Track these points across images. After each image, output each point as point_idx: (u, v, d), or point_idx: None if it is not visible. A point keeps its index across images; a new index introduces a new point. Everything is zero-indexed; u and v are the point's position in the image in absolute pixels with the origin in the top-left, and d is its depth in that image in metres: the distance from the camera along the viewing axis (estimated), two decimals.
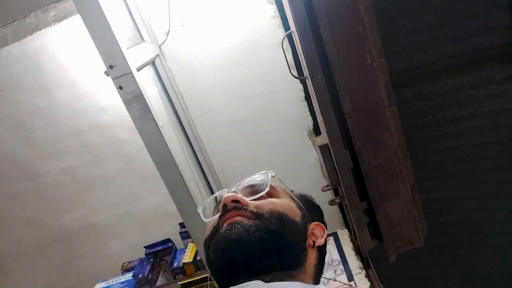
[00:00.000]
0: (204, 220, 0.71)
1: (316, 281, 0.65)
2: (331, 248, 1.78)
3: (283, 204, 0.66)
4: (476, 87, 1.59)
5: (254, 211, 0.61)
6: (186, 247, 1.98)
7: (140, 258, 2.01)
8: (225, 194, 0.66)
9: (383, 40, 1.11)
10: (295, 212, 0.66)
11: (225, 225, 0.60)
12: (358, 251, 1.71)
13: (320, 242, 0.67)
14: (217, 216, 0.65)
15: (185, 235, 1.98)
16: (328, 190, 1.42)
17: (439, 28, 1.51)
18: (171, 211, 1.85)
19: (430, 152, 1.76)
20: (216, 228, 0.62)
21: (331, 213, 1.89)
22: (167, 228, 2.03)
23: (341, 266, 1.64)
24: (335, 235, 1.87)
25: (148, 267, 1.92)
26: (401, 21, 1.51)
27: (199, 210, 0.74)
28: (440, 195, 1.87)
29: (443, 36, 1.52)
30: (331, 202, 1.42)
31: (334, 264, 1.67)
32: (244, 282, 0.54)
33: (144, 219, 2.04)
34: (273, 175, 0.71)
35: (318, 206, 0.79)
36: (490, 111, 1.61)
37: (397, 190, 1.27)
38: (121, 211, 2.03)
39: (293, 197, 0.72)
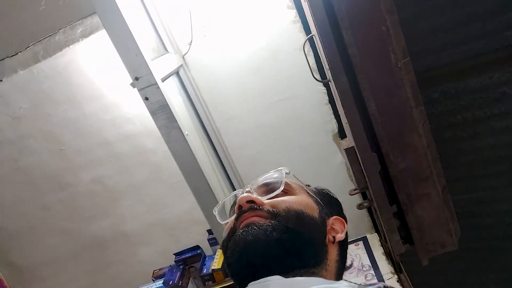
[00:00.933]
0: (221, 222, 0.69)
1: (339, 277, 0.63)
2: (360, 252, 1.75)
3: (300, 201, 0.64)
4: (507, 84, 1.54)
5: (271, 210, 0.60)
6: (214, 254, 2.00)
7: (170, 265, 2.04)
8: (240, 194, 0.64)
9: (408, 39, 1.09)
10: (312, 208, 0.64)
11: (241, 226, 0.59)
12: (389, 256, 1.67)
13: (340, 237, 0.65)
14: (233, 217, 0.63)
15: (213, 242, 1.99)
16: (355, 193, 1.40)
17: (466, 25, 1.47)
18: (199, 218, 1.87)
19: (461, 153, 1.71)
20: (233, 230, 0.61)
21: (360, 217, 1.86)
22: (196, 235, 2.06)
23: (372, 271, 1.61)
24: (364, 240, 1.84)
25: (178, 274, 1.94)
26: (426, 19, 1.48)
27: (215, 212, 0.72)
28: (473, 197, 1.81)
29: (471, 33, 1.48)
30: (360, 206, 1.39)
31: (364, 269, 1.64)
32: None
33: (173, 226, 2.07)
34: (287, 171, 0.69)
35: (336, 199, 0.76)
36: None
37: (427, 192, 1.24)
38: (150, 219, 2.07)
39: (310, 192, 0.70)
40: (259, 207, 0.61)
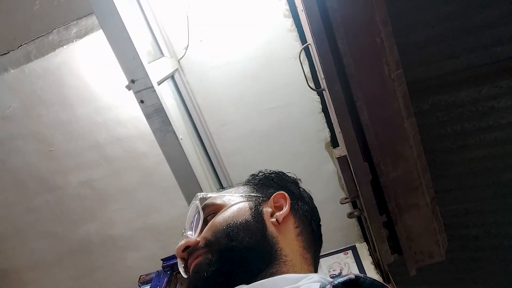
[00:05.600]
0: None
1: (309, 251, 0.63)
2: (349, 261, 1.76)
3: (224, 216, 0.64)
4: (495, 98, 1.57)
5: (205, 243, 0.61)
6: None
7: (157, 271, 2.01)
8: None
9: (401, 51, 1.11)
10: (242, 211, 0.64)
11: (191, 270, 0.62)
12: (377, 265, 1.68)
13: (283, 213, 0.64)
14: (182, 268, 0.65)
15: None
16: (346, 202, 1.41)
17: (457, 38, 1.50)
18: None
19: (450, 164, 1.74)
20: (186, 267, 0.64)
21: (350, 226, 1.87)
22: None
23: None
24: (353, 249, 1.85)
25: (165, 279, 1.92)
26: (419, 31, 1.51)
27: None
28: (461, 208, 1.83)
29: (461, 46, 1.51)
30: (350, 215, 1.40)
31: None
32: None
33: (162, 231, 2.05)
34: (200, 197, 0.70)
35: (274, 173, 0.76)
36: (511, 122, 1.59)
37: (416, 203, 1.26)
38: (139, 223, 2.05)
39: (236, 194, 0.70)
40: (195, 247, 0.62)
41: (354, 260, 1.76)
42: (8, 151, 1.94)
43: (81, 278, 2.22)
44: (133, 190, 1.97)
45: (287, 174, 0.79)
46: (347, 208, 1.67)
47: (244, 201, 0.67)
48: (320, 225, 0.73)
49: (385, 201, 1.24)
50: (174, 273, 1.99)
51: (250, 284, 0.52)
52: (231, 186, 0.76)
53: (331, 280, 0.45)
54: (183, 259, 0.64)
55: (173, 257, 2.01)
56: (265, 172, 0.77)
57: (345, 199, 1.41)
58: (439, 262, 1.35)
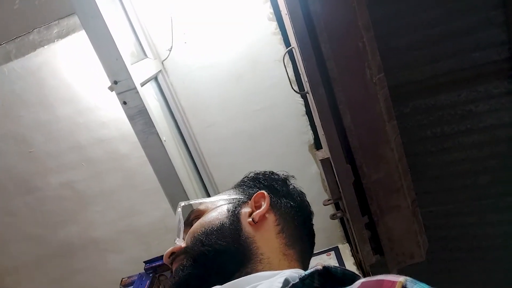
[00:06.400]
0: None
1: (292, 248, 0.63)
2: (332, 262, 1.77)
3: (202, 221, 0.66)
4: (474, 102, 1.61)
5: (183, 249, 0.64)
6: None
7: (140, 273, 1.99)
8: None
9: (383, 56, 1.13)
10: (219, 215, 0.65)
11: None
12: (359, 266, 1.70)
13: (261, 212, 0.65)
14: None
15: None
16: (329, 204, 1.42)
17: (437, 44, 1.53)
18: (171, 226, 1.85)
19: (429, 167, 1.77)
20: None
21: (332, 228, 1.89)
22: (168, 243, 2.00)
23: None
24: (336, 250, 1.87)
25: (148, 282, 1.90)
26: (400, 37, 1.54)
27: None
28: (440, 210, 1.87)
29: (441, 52, 1.55)
30: (333, 216, 1.41)
31: None
32: None
33: (144, 233, 2.03)
34: (183, 205, 0.73)
35: (262, 173, 0.78)
36: (488, 125, 1.63)
37: (397, 204, 1.28)
38: (121, 226, 2.03)
39: (218, 198, 0.72)
40: (179, 252, 0.65)
41: (337, 261, 1.78)
42: None
43: (62, 282, 2.18)
44: (115, 192, 1.94)
45: (277, 172, 0.80)
46: (330, 209, 1.69)
47: (224, 204, 0.68)
48: (311, 218, 0.73)
49: (367, 203, 1.26)
50: (157, 275, 1.97)
51: (223, 285, 0.52)
52: (228, 190, 0.78)
53: (302, 273, 0.46)
54: (171, 264, 0.66)
55: (156, 259, 1.99)
56: (254, 173, 0.79)
57: (328, 200, 1.42)
58: (420, 263, 1.38)
